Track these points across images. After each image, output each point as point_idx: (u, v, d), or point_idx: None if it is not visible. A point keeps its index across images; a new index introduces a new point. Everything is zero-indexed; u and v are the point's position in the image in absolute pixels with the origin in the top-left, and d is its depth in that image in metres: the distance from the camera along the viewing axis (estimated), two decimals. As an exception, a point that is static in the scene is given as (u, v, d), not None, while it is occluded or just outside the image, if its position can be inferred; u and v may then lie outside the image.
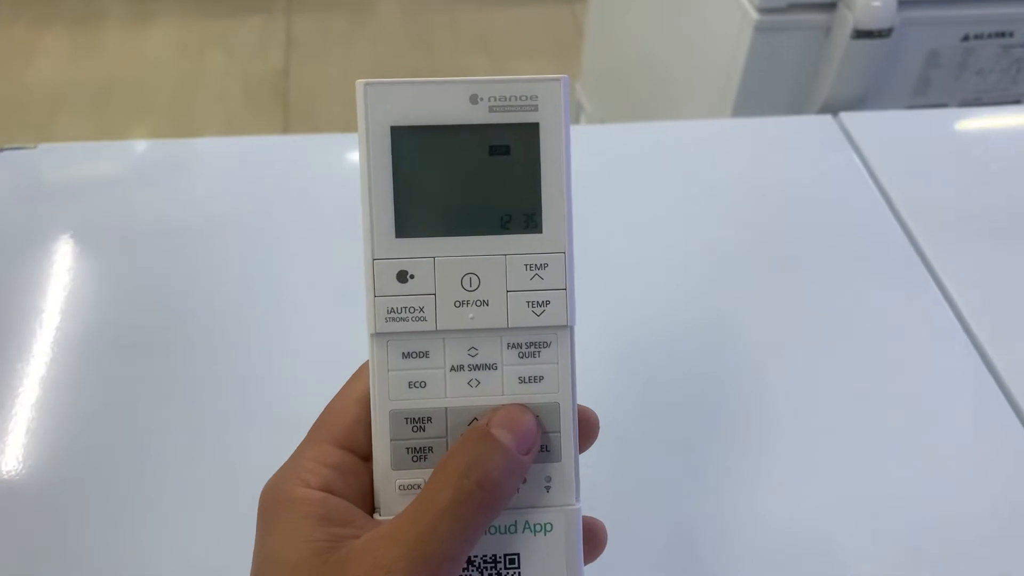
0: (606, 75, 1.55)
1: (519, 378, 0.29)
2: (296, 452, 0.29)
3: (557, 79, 0.28)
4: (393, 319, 0.28)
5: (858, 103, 1.02)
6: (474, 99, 0.28)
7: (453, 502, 0.26)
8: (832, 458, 0.49)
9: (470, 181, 0.28)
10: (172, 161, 0.67)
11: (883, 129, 0.72)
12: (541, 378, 0.29)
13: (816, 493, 0.47)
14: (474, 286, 0.29)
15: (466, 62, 2.10)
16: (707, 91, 1.13)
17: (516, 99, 0.28)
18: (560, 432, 0.29)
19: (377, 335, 0.29)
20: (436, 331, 0.29)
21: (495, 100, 0.28)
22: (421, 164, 0.28)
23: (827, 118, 0.72)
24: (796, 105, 1.05)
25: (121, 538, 0.44)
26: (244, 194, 0.64)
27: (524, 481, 0.29)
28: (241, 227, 0.61)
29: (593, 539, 0.30)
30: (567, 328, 0.29)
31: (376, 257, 0.28)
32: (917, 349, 0.55)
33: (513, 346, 0.29)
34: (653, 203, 0.64)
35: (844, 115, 0.72)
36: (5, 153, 0.64)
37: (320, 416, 0.30)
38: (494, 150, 0.28)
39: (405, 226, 0.28)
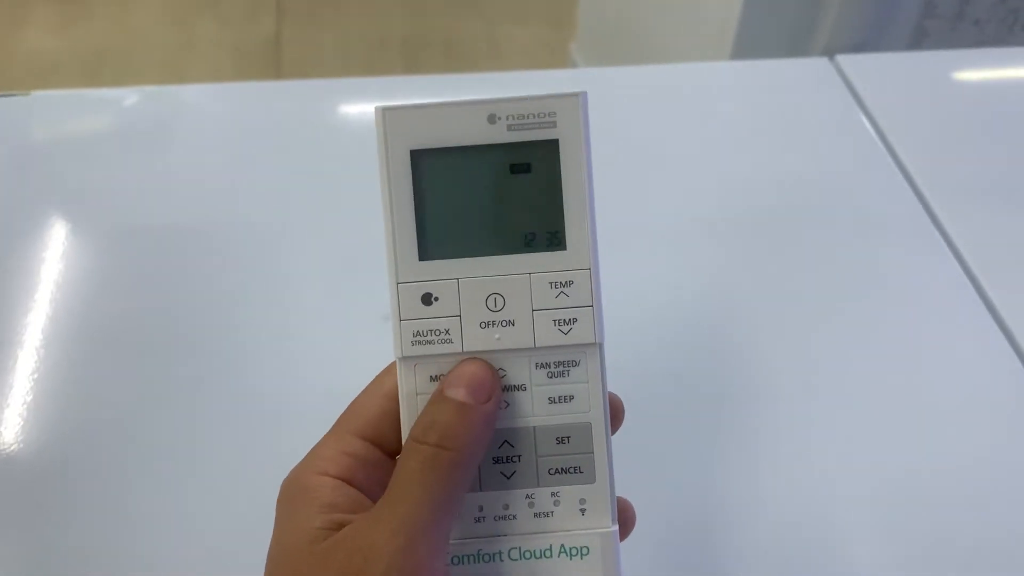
0: (602, 32, 1.54)
1: (549, 398, 0.29)
2: (319, 442, 0.30)
3: (575, 95, 0.28)
4: (419, 342, 0.28)
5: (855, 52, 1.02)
6: (492, 119, 0.28)
7: (418, 468, 0.26)
8: (845, 427, 0.48)
9: (492, 200, 0.28)
10: (170, 110, 0.66)
11: (880, 71, 0.71)
12: (572, 398, 0.29)
13: (831, 460, 0.47)
14: (499, 306, 0.28)
15: (459, 24, 2.08)
16: (704, 46, 1.12)
17: (534, 116, 0.28)
18: (593, 453, 0.29)
19: (404, 359, 0.28)
20: (463, 353, 0.28)
21: (513, 119, 0.28)
22: (442, 186, 0.28)
23: (823, 61, 0.72)
24: (793, 55, 1.05)
25: (121, 532, 0.43)
26: (240, 143, 0.64)
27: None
28: (240, 181, 0.61)
29: (622, 518, 0.30)
30: (596, 345, 0.29)
31: (400, 281, 0.28)
32: (922, 299, 0.55)
33: (541, 366, 0.29)
34: (645, 149, 0.64)
35: (841, 57, 0.71)
36: (-2, 100, 0.64)
37: (347, 408, 0.30)
38: (515, 168, 0.28)
39: (428, 248, 0.28)
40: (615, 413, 0.30)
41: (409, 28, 2.08)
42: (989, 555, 0.43)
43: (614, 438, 0.30)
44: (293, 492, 0.28)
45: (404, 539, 0.25)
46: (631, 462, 0.45)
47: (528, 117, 0.28)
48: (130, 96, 0.67)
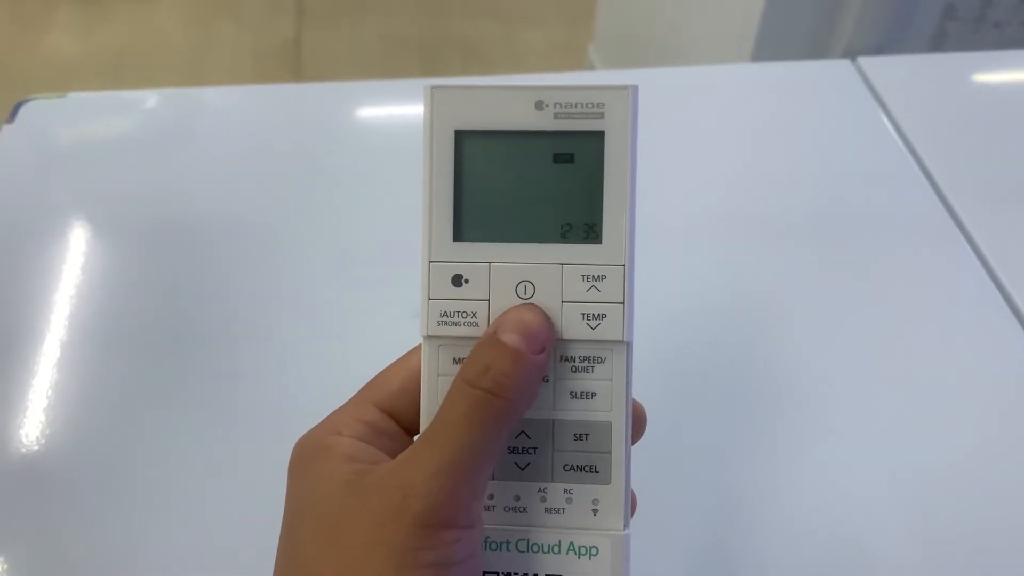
0: (620, 34, 1.54)
1: (570, 393, 0.28)
2: (337, 409, 0.30)
3: (625, 88, 0.28)
4: (446, 323, 0.28)
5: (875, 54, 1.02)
6: (539, 105, 0.28)
7: (468, 411, 0.26)
8: (868, 430, 0.48)
9: (532, 188, 0.28)
10: (193, 111, 0.67)
11: (902, 73, 0.71)
12: (594, 394, 0.28)
13: (854, 463, 0.46)
14: (529, 294, 0.28)
15: (476, 27, 2.09)
16: (724, 48, 1.12)
17: (582, 107, 0.28)
18: (611, 453, 0.28)
19: (429, 338, 0.28)
20: None
21: (561, 107, 0.28)
22: (483, 169, 0.28)
23: (845, 63, 0.72)
24: (813, 56, 1.05)
25: (128, 527, 0.44)
26: (261, 145, 0.64)
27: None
28: (260, 182, 0.62)
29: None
30: (623, 344, 0.28)
31: (432, 260, 0.28)
32: (945, 301, 0.54)
33: (566, 359, 0.28)
34: (664, 151, 0.63)
35: (862, 59, 0.71)
36: (32, 103, 0.65)
37: (370, 380, 0.30)
38: (558, 158, 0.28)
39: (463, 230, 0.28)
40: (638, 422, 0.30)
41: (427, 30, 2.09)
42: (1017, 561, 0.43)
43: (635, 446, 0.29)
44: (310, 451, 0.28)
45: (445, 480, 0.25)
46: (650, 461, 0.45)
47: (576, 107, 0.28)
48: (157, 98, 0.68)
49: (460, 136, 0.28)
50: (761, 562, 0.43)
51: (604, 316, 0.28)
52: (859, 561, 0.43)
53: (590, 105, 0.28)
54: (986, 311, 0.54)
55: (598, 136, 0.28)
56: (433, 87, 0.28)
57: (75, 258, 0.55)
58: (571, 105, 0.28)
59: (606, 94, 0.28)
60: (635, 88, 0.28)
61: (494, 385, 0.26)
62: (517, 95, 0.28)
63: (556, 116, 0.28)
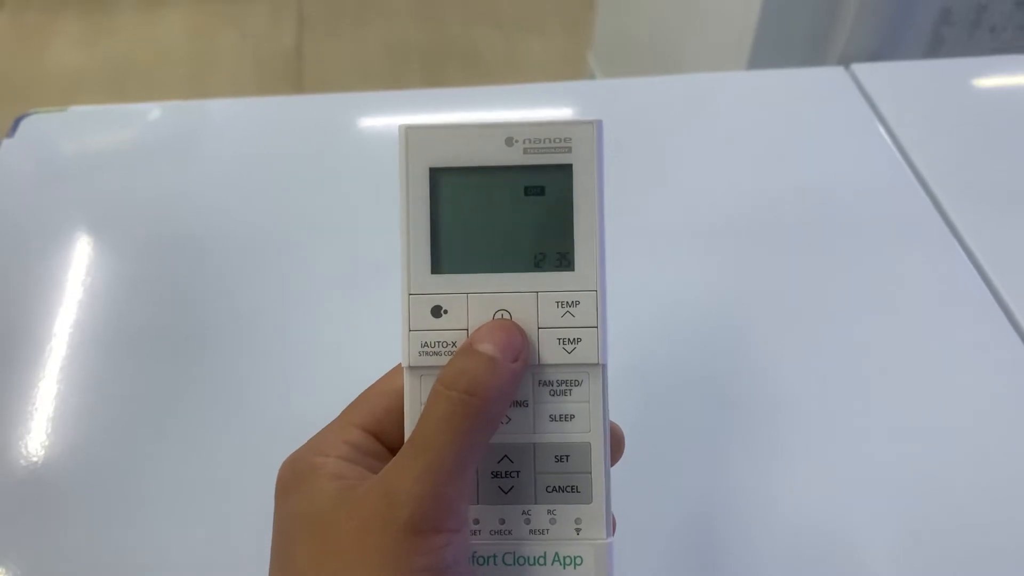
0: (619, 42, 1.55)
1: (549, 416, 0.29)
2: (321, 430, 0.30)
3: (591, 122, 0.29)
4: (427, 353, 0.29)
5: (871, 60, 1.02)
6: (509, 141, 0.29)
7: (445, 415, 0.27)
8: (862, 436, 0.48)
9: (505, 220, 0.29)
10: (196, 123, 0.68)
11: (895, 80, 0.71)
12: (572, 417, 0.29)
13: (848, 469, 0.46)
14: None
15: (477, 35, 2.10)
16: (721, 55, 1.13)
17: (550, 141, 0.29)
18: (591, 473, 0.29)
19: (411, 368, 0.29)
20: None
21: (529, 142, 0.29)
22: (458, 204, 0.29)
23: (839, 70, 0.72)
24: (810, 63, 1.05)
25: (131, 535, 0.44)
26: (263, 156, 0.65)
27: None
28: (262, 194, 0.62)
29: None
30: (599, 366, 0.29)
31: (412, 292, 0.29)
32: (940, 308, 0.54)
33: (544, 383, 0.29)
34: (660, 159, 0.64)
35: (856, 66, 0.72)
36: (32, 117, 0.66)
37: (353, 401, 0.31)
38: (529, 190, 0.29)
39: (441, 262, 0.29)
40: (616, 443, 0.30)
41: (428, 39, 2.10)
42: (1011, 562, 0.43)
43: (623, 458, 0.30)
44: (297, 472, 0.28)
45: (430, 484, 0.26)
46: (641, 470, 0.45)
47: (544, 141, 0.29)
48: (158, 110, 0.69)
49: (435, 173, 0.29)
50: (752, 566, 0.43)
51: (579, 340, 0.29)
52: (851, 566, 0.43)
53: (557, 140, 0.29)
54: (981, 317, 0.54)
55: (566, 169, 0.29)
56: (407, 127, 0.29)
57: (76, 272, 0.56)
58: (539, 140, 0.29)
59: (572, 128, 0.29)
60: (599, 122, 0.29)
61: (469, 387, 0.27)
62: (488, 132, 0.29)
63: (526, 151, 0.29)
